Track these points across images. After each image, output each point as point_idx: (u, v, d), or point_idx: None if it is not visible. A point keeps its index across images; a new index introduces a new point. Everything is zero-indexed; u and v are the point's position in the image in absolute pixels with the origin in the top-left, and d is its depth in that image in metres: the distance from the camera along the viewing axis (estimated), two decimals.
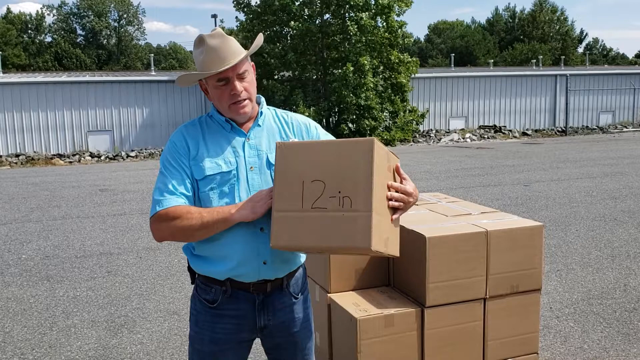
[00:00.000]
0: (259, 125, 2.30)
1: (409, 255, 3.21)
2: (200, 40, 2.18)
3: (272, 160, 2.24)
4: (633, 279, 5.94)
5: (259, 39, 2.30)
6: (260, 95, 2.35)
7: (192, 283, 2.37)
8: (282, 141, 2.15)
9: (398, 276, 3.35)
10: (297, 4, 23.18)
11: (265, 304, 2.28)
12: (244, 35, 24.05)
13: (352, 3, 22.73)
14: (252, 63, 2.31)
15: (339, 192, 1.97)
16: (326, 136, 2.40)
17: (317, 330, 3.37)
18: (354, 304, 3.13)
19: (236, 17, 24.99)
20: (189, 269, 2.36)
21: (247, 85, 2.22)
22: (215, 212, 2.10)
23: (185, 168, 2.19)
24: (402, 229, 3.24)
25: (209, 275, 2.25)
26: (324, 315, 3.35)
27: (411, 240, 3.15)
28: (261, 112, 2.32)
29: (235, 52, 2.17)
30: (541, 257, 3.33)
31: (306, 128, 2.37)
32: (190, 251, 2.30)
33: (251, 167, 2.22)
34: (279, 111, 2.40)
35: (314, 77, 23.94)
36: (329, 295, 3.30)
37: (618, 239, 7.48)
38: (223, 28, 37.36)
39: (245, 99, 2.20)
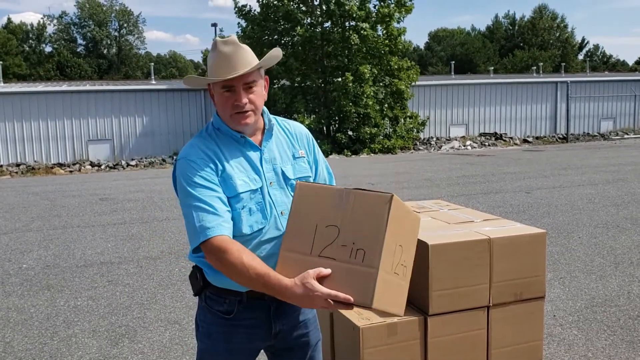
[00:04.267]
0: (270, 138, 2.27)
1: None
2: (214, 45, 2.15)
3: (288, 174, 2.23)
4: (637, 286, 5.91)
5: (275, 52, 2.25)
6: (264, 107, 2.30)
7: (195, 294, 2.30)
8: (302, 182, 2.09)
9: None
10: (298, 12, 23.25)
11: (279, 309, 2.27)
12: (243, 42, 24.02)
13: (354, 15, 22.78)
14: (266, 77, 2.27)
15: (353, 243, 1.93)
16: (319, 150, 2.42)
17: None
18: (356, 312, 3.11)
19: (238, 23, 25.10)
20: (196, 279, 2.28)
21: (254, 97, 2.16)
22: (264, 284, 1.96)
23: (216, 185, 2.10)
24: None
25: (227, 287, 2.19)
26: (327, 324, 3.32)
27: None
28: (271, 125, 2.28)
29: (247, 61, 2.13)
30: (544, 264, 3.31)
31: (307, 140, 2.38)
32: (208, 264, 2.16)
33: (270, 183, 2.20)
34: (281, 121, 2.38)
35: (315, 85, 24.00)
36: None
37: (621, 246, 7.45)
38: (222, 37, 37.57)
39: (248, 111, 2.15)
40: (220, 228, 2.03)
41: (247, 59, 2.14)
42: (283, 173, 2.22)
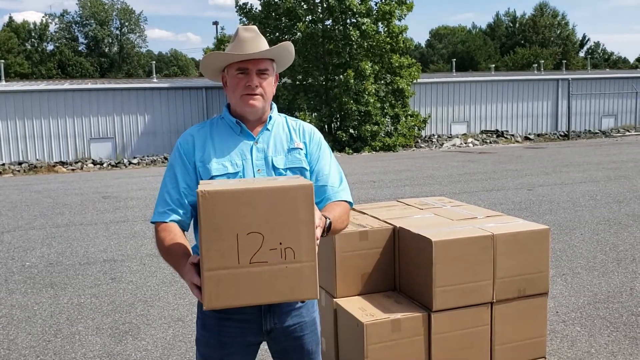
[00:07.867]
0: (267, 130, 2.35)
1: (415, 260, 3.20)
2: (236, 31, 2.28)
3: (277, 164, 2.30)
4: (639, 282, 5.91)
5: (288, 46, 2.33)
6: (273, 102, 2.40)
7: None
8: (204, 190, 1.85)
9: (404, 281, 3.34)
10: (300, 10, 23.23)
11: (271, 308, 2.28)
12: None
13: (354, 10, 22.78)
14: (276, 74, 2.38)
15: (280, 243, 1.85)
16: (326, 151, 2.44)
17: (323, 336, 3.35)
18: (360, 308, 3.12)
19: (240, 20, 24.99)
20: None
21: (265, 83, 2.28)
22: (174, 260, 2.17)
23: (186, 171, 2.26)
24: (409, 233, 3.24)
25: None
26: (330, 321, 3.33)
27: (417, 244, 3.14)
28: (270, 117, 2.37)
29: (263, 48, 2.25)
30: (548, 261, 3.31)
31: (310, 136, 2.42)
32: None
33: (258, 170, 2.28)
34: (290, 119, 2.46)
35: (317, 82, 23.99)
36: (335, 300, 3.29)
37: (623, 242, 7.45)
38: (224, 35, 37.45)
39: (258, 94, 2.25)
40: (165, 215, 2.24)
41: (265, 46, 2.27)
42: (272, 163, 2.30)
